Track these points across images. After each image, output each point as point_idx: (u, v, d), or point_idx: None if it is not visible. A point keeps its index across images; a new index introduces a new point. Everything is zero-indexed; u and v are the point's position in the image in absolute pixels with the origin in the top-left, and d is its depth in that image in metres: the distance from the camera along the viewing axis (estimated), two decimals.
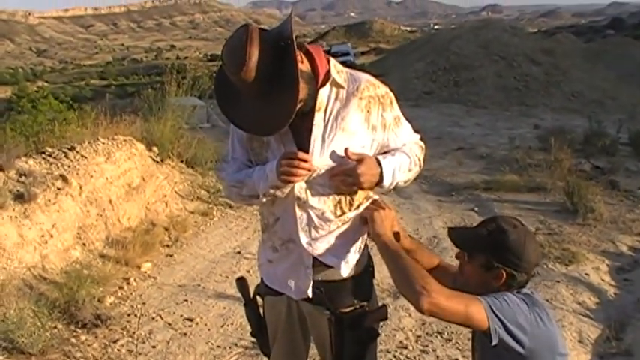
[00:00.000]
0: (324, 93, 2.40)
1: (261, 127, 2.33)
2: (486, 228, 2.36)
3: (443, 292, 2.14)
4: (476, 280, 2.34)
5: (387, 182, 2.44)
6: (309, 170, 2.34)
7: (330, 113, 2.40)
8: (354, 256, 2.55)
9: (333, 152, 2.39)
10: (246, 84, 2.19)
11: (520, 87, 31.09)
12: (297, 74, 2.17)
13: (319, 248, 2.48)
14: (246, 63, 2.14)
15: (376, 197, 2.64)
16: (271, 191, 2.43)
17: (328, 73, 2.40)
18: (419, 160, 2.61)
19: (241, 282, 2.84)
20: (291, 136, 2.42)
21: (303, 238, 2.48)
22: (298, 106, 2.24)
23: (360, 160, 2.37)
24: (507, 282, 2.28)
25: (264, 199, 2.50)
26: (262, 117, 2.28)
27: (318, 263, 2.50)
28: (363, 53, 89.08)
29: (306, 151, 2.36)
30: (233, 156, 2.65)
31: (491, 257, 2.29)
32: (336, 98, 2.42)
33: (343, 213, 2.49)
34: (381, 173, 2.41)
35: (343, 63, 2.64)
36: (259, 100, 2.27)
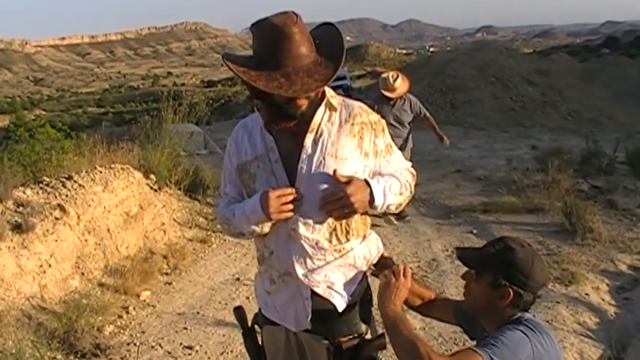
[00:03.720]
0: (319, 113, 2.42)
1: (279, 85, 2.22)
2: (494, 247, 2.34)
3: None
4: (483, 300, 2.32)
5: (378, 201, 2.43)
6: (297, 200, 2.36)
7: (321, 135, 2.41)
8: (351, 287, 2.54)
9: (324, 178, 2.39)
10: (286, 43, 2.21)
11: (517, 108, 31.10)
12: (344, 55, 2.28)
13: (316, 280, 2.47)
14: (297, 21, 2.22)
15: (394, 263, 2.64)
16: (257, 230, 2.43)
17: (324, 93, 2.43)
18: (409, 185, 2.61)
19: (239, 311, 2.80)
20: (281, 164, 2.42)
21: (299, 271, 2.46)
22: (304, 105, 2.33)
23: (349, 181, 2.36)
24: (514, 301, 2.26)
25: (250, 237, 2.51)
26: (290, 76, 2.23)
27: (316, 293, 2.48)
28: (359, 77, 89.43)
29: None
30: (225, 191, 2.68)
31: (498, 275, 2.26)
32: (329, 120, 2.44)
33: (340, 242, 2.47)
34: (371, 192, 2.40)
35: (340, 87, 2.67)
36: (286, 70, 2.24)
